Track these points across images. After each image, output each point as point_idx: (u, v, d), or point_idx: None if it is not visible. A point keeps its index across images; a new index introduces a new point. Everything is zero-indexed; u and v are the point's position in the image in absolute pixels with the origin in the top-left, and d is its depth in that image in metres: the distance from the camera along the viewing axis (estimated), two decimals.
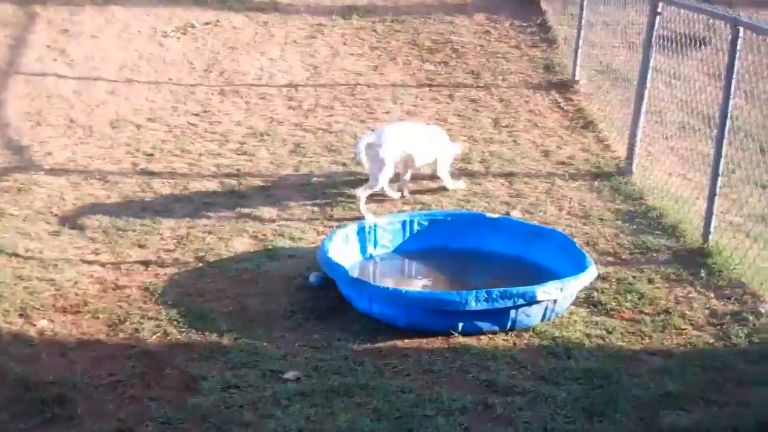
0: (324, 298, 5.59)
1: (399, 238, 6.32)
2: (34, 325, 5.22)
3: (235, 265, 6.12)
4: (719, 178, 6.35)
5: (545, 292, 5.13)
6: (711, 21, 9.10)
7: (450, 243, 6.34)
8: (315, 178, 7.72)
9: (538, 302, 5.13)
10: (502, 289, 5.06)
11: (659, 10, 7.64)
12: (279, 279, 5.90)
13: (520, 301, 5.06)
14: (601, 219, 7.04)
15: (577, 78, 10.03)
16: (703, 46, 10.98)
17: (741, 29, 6.03)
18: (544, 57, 10.75)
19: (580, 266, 5.58)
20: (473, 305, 5.00)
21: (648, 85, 7.89)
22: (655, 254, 6.44)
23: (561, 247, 5.97)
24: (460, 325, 5.10)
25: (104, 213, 6.91)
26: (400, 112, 9.31)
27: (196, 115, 9.15)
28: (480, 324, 5.12)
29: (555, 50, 10.91)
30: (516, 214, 7.05)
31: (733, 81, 6.15)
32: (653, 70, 10.38)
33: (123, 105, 9.26)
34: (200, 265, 6.12)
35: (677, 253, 6.45)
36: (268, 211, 7.05)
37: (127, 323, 5.25)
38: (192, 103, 9.45)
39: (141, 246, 6.39)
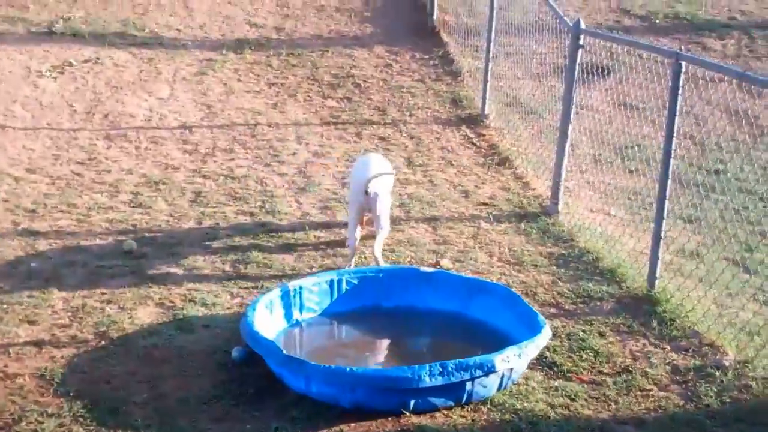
0: (251, 377, 4.91)
1: (327, 299, 5.71)
2: None
3: (143, 340, 5.37)
4: (663, 221, 5.99)
5: (504, 360, 4.61)
6: (614, 48, 8.97)
7: (383, 301, 5.77)
8: (222, 232, 7.02)
9: (495, 372, 4.60)
10: (457, 361, 4.52)
11: (581, 42, 7.30)
12: (196, 356, 5.19)
13: (478, 373, 4.53)
14: (535, 265, 6.61)
15: (486, 112, 9.67)
16: (606, 75, 10.90)
17: (683, 64, 5.70)
18: (449, 91, 10.36)
19: (530, 325, 5.11)
20: (427, 381, 4.44)
21: (572, 121, 7.53)
22: (598, 303, 6.03)
23: (505, 302, 5.49)
24: (412, 402, 4.53)
25: None
26: (306, 153, 8.70)
27: (81, 163, 8.30)
28: (433, 400, 4.56)
29: (460, 83, 10.53)
30: (446, 264, 6.55)
31: (677, 118, 5.80)
32: (560, 101, 10.23)
33: None
34: (102, 342, 5.34)
35: (621, 300, 6.07)
36: (173, 273, 6.31)
37: (23, 423, 4.45)
38: (75, 150, 8.59)
39: (31, 322, 5.56)
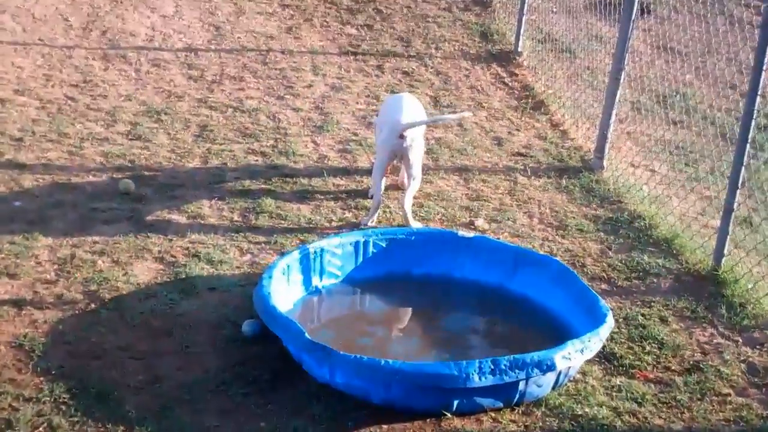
0: (265, 358, 4.22)
1: (350, 263, 4.99)
2: None
3: (140, 304, 4.66)
4: (738, 192, 5.24)
5: (565, 357, 3.92)
6: None
7: (413, 268, 5.06)
8: (230, 174, 6.25)
9: (554, 371, 3.91)
10: (511, 357, 3.82)
11: None
12: (201, 327, 4.49)
13: (535, 372, 3.84)
14: (581, 230, 5.89)
15: (520, 49, 8.82)
16: (646, 14, 10.03)
17: None
18: (479, 23, 9.48)
19: (589, 309, 4.42)
20: (476, 380, 3.75)
21: (626, 65, 6.72)
22: (655, 280, 5.33)
23: (557, 278, 4.79)
24: (455, 403, 3.85)
25: None
26: (323, 86, 7.88)
27: (75, 86, 7.47)
28: (481, 401, 3.88)
29: (490, 15, 9.66)
30: (481, 224, 5.83)
31: (763, 74, 4.99)
32: (597, 40, 9.37)
33: None
34: (92, 305, 4.63)
35: (681, 278, 5.37)
36: (175, 221, 5.57)
37: None
38: (69, 70, 7.75)
39: (10, 276, 4.83)
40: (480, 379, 3.75)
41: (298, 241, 5.44)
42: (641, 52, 9.19)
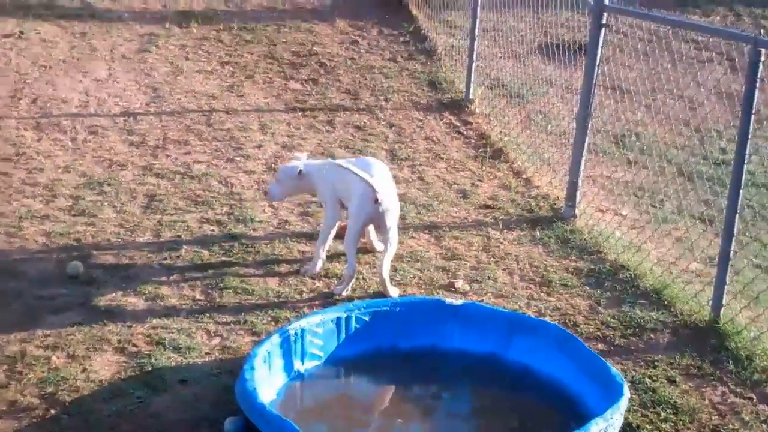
0: None
1: (333, 342, 4.59)
2: None
3: (105, 405, 4.16)
4: (733, 239, 5.00)
5: None
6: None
7: (400, 341, 4.69)
8: (185, 247, 5.80)
9: None
10: None
11: (604, 21, 6.26)
12: (177, 429, 4.02)
13: None
14: (565, 285, 5.60)
15: (471, 96, 8.59)
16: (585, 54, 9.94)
17: (763, 52, 4.68)
18: (426, 71, 9.25)
19: (598, 378, 4.11)
20: None
21: (593, 110, 6.51)
22: (653, 336, 5.06)
23: (558, 345, 4.46)
24: None
25: None
26: (274, 145, 7.50)
27: (8, 159, 6.95)
28: None
29: (436, 63, 9.44)
30: (461, 286, 5.49)
31: (752, 118, 4.78)
32: (546, 83, 9.21)
33: None
34: (52, 410, 4.12)
35: (679, 331, 5.10)
36: (132, 305, 5.09)
37: None
38: None
39: None
40: None
41: (269, 318, 5.02)
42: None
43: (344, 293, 5.23)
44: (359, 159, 5.76)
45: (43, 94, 8.07)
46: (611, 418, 3.71)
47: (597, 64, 6.37)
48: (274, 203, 6.37)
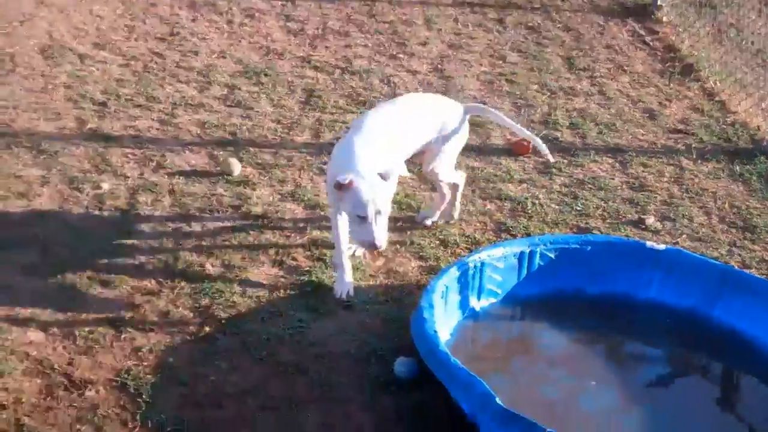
0: (429, 414, 3.33)
1: (512, 278, 4.07)
2: None
3: (263, 327, 3.78)
4: None
5: None
6: None
7: (588, 285, 4.13)
8: None
9: None
10: None
11: None
12: (341, 363, 3.62)
13: None
14: None
15: (659, 2, 7.70)
16: None
17: None
18: None
19: None
20: None
21: None
22: None
23: None
24: None
25: (30, 221, 4.46)
26: (440, 44, 6.87)
27: (162, 39, 6.55)
28: None
29: None
30: (652, 223, 4.86)
31: None
32: None
33: (59, 22, 6.59)
34: (206, 327, 3.76)
35: None
36: (290, 212, 4.68)
37: None
38: (153, 21, 6.83)
39: (104, 283, 3.99)
40: None
41: (437, 242, 4.53)
42: None
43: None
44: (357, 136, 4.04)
45: None
46: None
47: None
48: None
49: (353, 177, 3.73)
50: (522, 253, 4.06)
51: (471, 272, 3.90)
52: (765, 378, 3.73)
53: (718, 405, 3.64)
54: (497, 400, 2.99)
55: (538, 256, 4.09)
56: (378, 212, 3.72)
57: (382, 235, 3.73)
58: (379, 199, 3.72)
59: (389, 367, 3.53)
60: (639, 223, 4.87)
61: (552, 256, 4.11)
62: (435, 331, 3.34)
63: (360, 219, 3.72)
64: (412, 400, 3.40)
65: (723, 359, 3.85)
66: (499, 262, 4.01)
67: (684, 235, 4.79)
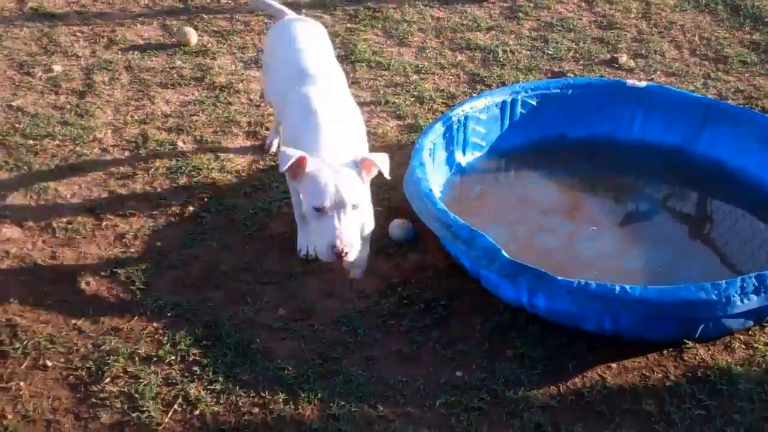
0: (429, 273, 3.28)
1: (496, 129, 3.98)
2: None
3: (248, 201, 3.65)
4: None
5: None
6: None
7: (571, 130, 4.06)
8: (304, 10, 5.09)
9: None
10: None
11: None
12: None
13: None
14: (744, 62, 4.85)
15: None
16: None
17: None
18: None
19: None
20: (738, 304, 2.84)
21: None
22: None
23: (759, 137, 3.80)
24: (700, 329, 2.96)
25: None
26: None
27: None
28: (729, 323, 2.98)
29: None
30: (625, 61, 4.78)
31: None
32: None
33: None
34: (189, 207, 3.61)
35: None
36: (256, 81, 4.48)
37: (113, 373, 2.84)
38: None
39: (74, 170, 3.80)
40: (742, 301, 2.84)
41: (411, 99, 4.40)
42: None
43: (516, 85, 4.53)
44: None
45: None
46: None
47: None
48: None
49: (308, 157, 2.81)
50: (504, 103, 3.95)
51: (455, 127, 3.79)
52: (753, 208, 3.73)
53: (711, 238, 3.64)
54: (503, 252, 2.94)
55: (519, 104, 3.99)
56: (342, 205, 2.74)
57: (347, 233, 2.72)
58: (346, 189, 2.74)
59: (384, 232, 3.45)
60: (612, 63, 4.78)
61: (534, 103, 4.01)
62: (430, 189, 3.25)
63: (317, 212, 2.76)
64: (410, 261, 3.34)
65: (712, 193, 3.83)
66: (482, 114, 3.90)
67: (658, 72, 4.72)
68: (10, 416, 2.64)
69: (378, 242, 3.40)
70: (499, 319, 3.07)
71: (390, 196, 3.60)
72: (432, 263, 3.32)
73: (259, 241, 3.45)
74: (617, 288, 2.82)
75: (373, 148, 4.00)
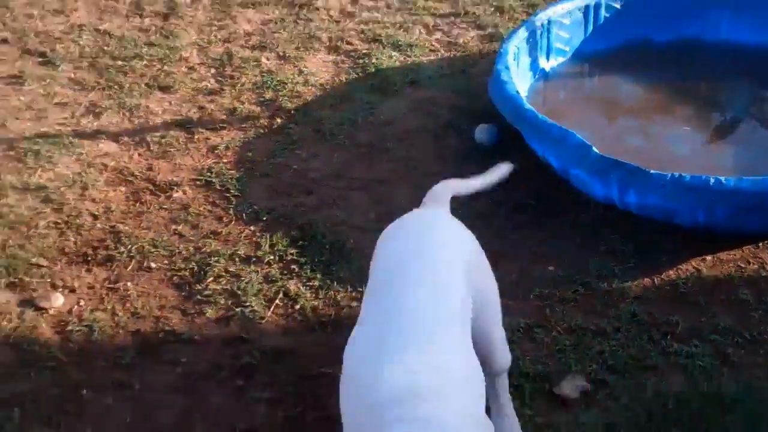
0: (520, 175, 3.29)
1: (579, 34, 3.95)
2: None
3: (334, 113, 3.71)
4: None
5: None
6: None
7: (656, 33, 4.00)
8: None
9: None
10: None
11: None
12: (418, 139, 3.57)
13: None
14: None
15: None
16: None
17: None
18: None
19: None
20: None
21: None
22: None
23: None
24: None
25: (72, 36, 4.30)
26: None
27: None
28: None
29: None
30: None
31: None
32: None
33: None
34: (277, 119, 3.68)
35: None
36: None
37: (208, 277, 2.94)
38: None
39: (163, 89, 3.90)
40: None
41: (491, 8, 4.37)
42: None
43: None
44: None
45: None
46: None
47: None
48: None
49: None
50: (587, 7, 3.91)
51: (539, 32, 3.76)
52: None
53: None
54: (594, 149, 2.94)
55: (603, 8, 3.94)
56: None
57: None
58: None
59: (468, 137, 3.47)
60: None
61: (617, 6, 3.96)
62: (517, 92, 3.25)
63: None
64: (496, 164, 3.35)
65: None
66: (565, 19, 3.86)
67: None
68: (120, 313, 2.76)
69: (463, 148, 3.42)
70: (589, 217, 3.08)
71: (472, 104, 3.60)
72: (518, 165, 3.32)
73: (347, 149, 3.50)
74: (712, 179, 2.79)
75: (453, 58, 4.02)
